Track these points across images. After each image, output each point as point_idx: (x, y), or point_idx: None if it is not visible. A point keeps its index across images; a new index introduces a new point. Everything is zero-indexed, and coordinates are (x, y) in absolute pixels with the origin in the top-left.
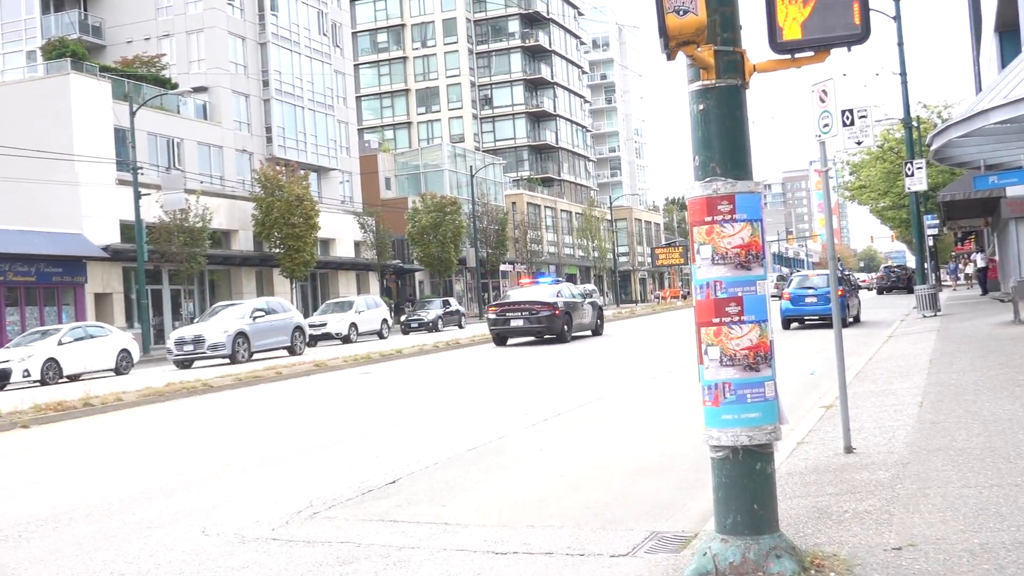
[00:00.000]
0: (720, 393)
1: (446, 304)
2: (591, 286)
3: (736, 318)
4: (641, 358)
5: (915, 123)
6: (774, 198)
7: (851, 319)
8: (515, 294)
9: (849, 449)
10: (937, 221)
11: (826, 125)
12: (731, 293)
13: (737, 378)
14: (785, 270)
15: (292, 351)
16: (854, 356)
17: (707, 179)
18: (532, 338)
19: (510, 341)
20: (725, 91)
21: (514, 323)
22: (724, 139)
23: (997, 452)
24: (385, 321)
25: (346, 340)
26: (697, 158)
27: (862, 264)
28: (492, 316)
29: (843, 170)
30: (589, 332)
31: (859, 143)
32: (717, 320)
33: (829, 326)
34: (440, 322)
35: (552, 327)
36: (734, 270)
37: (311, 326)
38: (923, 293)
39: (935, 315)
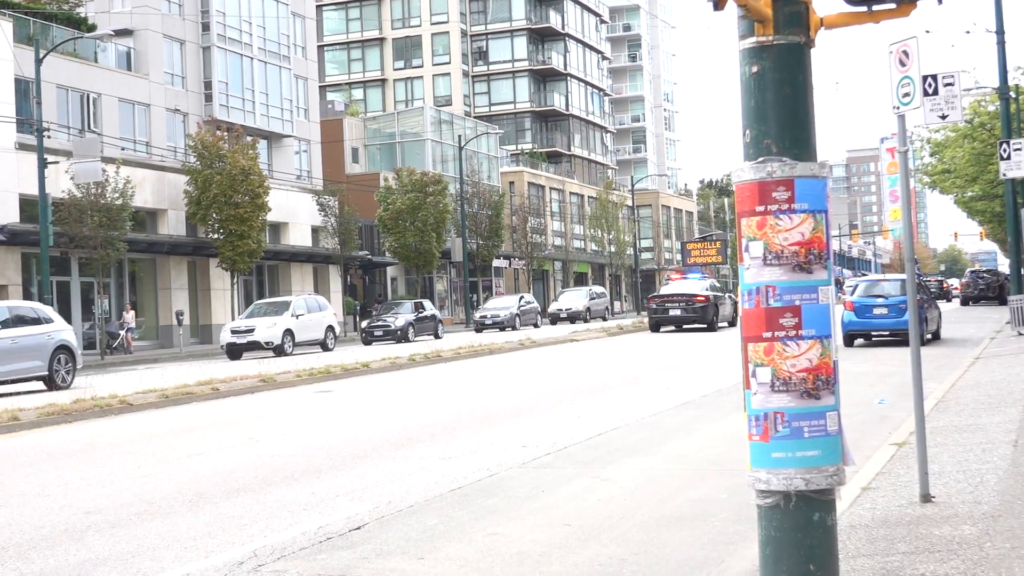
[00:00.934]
0: (771, 425)
1: (418, 308)
2: (599, 288)
3: (792, 332)
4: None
5: (1013, 93)
6: (836, 183)
7: (929, 335)
8: (669, 288)
9: (927, 497)
10: None
11: (906, 95)
12: (787, 301)
13: (792, 407)
14: (847, 273)
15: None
16: (932, 382)
17: (760, 159)
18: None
19: (662, 328)
20: (785, 50)
21: (672, 312)
22: (782, 109)
23: None
24: (331, 329)
25: (279, 352)
26: (748, 132)
27: (943, 267)
28: (652, 306)
29: (921, 150)
30: (726, 323)
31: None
32: (769, 334)
33: (901, 343)
34: (411, 330)
35: (704, 316)
36: (791, 273)
37: (233, 332)
38: (1019, 305)
39: None
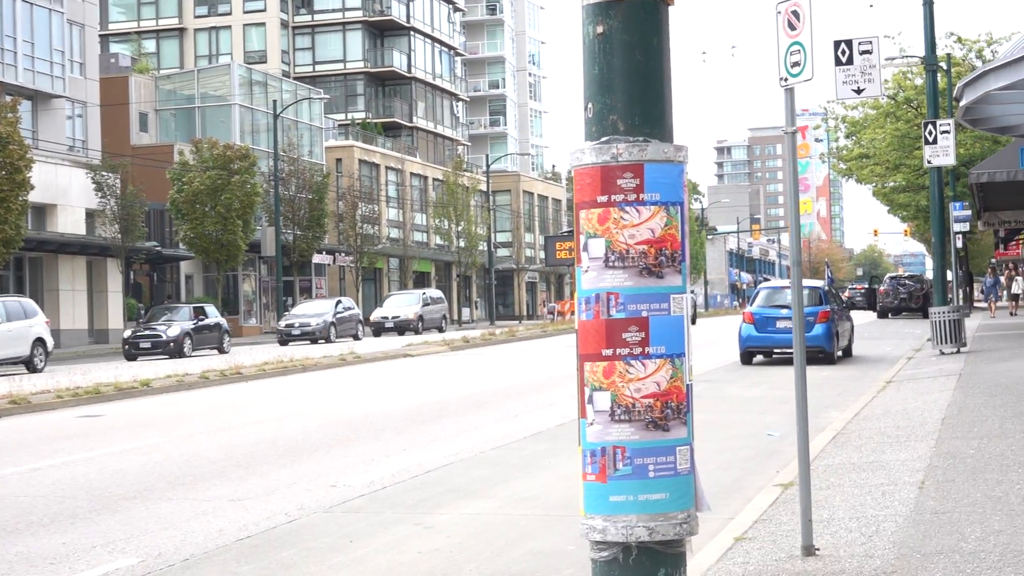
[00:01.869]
0: (609, 462)
1: (199, 314)
2: (435, 292)
3: (638, 350)
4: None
5: (944, 64)
6: (736, 168)
7: (839, 352)
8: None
9: (809, 549)
10: (969, 212)
11: (796, 64)
12: (632, 312)
13: (635, 440)
14: (746, 277)
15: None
16: (835, 410)
17: (604, 139)
18: None
19: None
20: (637, 7)
21: None
22: (632, 79)
23: None
24: (40, 342)
25: None
26: (591, 106)
27: (860, 271)
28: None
29: (836, 130)
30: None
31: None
32: (610, 352)
33: (811, 360)
34: (188, 342)
35: None
36: (638, 277)
37: None
38: (942, 319)
39: (958, 351)
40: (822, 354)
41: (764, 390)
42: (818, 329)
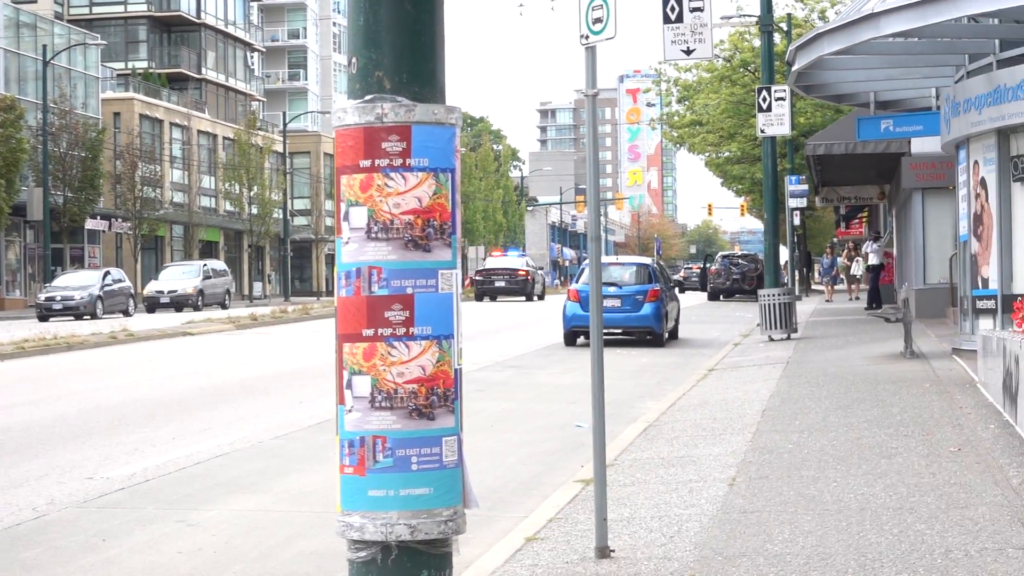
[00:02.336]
0: (369, 453)
1: None
2: (218, 263)
3: (402, 330)
4: None
5: (782, 26)
6: (560, 133)
7: (666, 334)
8: (493, 263)
9: (604, 551)
10: (805, 187)
11: (598, 20)
12: (396, 289)
13: (398, 429)
14: (568, 253)
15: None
16: (652, 399)
17: (368, 97)
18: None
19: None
20: None
21: (497, 284)
22: (400, 33)
23: (831, 561)
24: None
25: None
26: (355, 61)
27: (693, 249)
28: (479, 279)
29: (668, 94)
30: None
31: (688, 51)
32: (371, 332)
33: (636, 343)
34: None
35: (524, 289)
36: (403, 251)
37: None
38: (771, 302)
39: (788, 337)
40: (651, 335)
41: (577, 376)
42: (647, 309)
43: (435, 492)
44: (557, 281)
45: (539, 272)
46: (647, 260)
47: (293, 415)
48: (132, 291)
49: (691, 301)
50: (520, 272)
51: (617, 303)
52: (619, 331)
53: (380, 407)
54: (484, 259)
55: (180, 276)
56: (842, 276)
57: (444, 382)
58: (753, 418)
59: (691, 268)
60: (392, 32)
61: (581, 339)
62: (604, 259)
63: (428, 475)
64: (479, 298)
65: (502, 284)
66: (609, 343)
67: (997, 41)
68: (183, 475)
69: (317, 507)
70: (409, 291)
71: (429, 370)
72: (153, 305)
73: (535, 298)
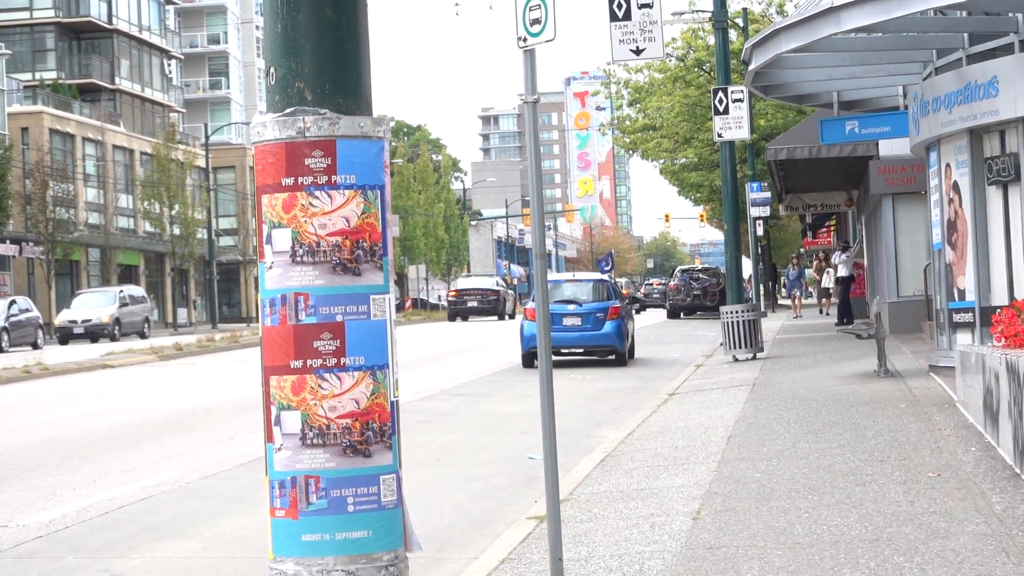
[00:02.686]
0: (301, 494)
1: None
2: (136, 289)
3: (332, 361)
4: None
5: (738, 22)
6: (503, 140)
7: (627, 353)
8: (464, 283)
9: None
10: (768, 194)
11: (536, 22)
12: (325, 316)
13: (332, 468)
14: (517, 271)
15: None
16: (609, 427)
17: (289, 110)
18: None
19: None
20: None
21: (470, 304)
22: (322, 40)
23: None
24: None
25: None
26: (274, 71)
27: (650, 263)
28: (452, 299)
29: (619, 97)
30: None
31: (638, 51)
32: (299, 364)
33: (598, 364)
34: None
35: (496, 308)
36: (331, 275)
37: None
38: (734, 319)
39: (753, 357)
40: (613, 355)
41: (529, 404)
42: (608, 327)
43: (374, 535)
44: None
45: (509, 291)
46: (604, 276)
47: (223, 452)
48: (40, 321)
49: (650, 319)
50: (491, 292)
51: (577, 321)
52: (580, 351)
53: (312, 444)
54: (426, 278)
55: (95, 304)
56: (811, 289)
57: (380, 416)
58: (718, 445)
59: (652, 284)
60: (313, 39)
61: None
62: (560, 276)
63: (366, 516)
64: (452, 318)
65: (474, 304)
66: (562, 364)
67: (966, 35)
68: (106, 520)
69: (251, 552)
70: (339, 319)
71: (363, 403)
72: (66, 336)
73: (506, 317)
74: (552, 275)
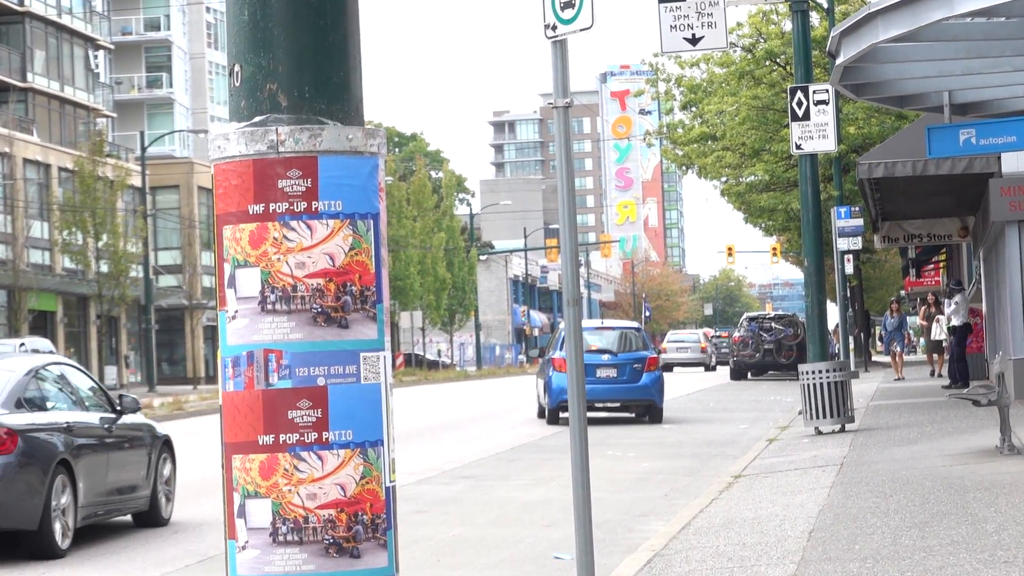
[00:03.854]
0: None
1: None
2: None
3: (312, 435)
4: None
5: (822, 3)
6: (522, 153)
7: (661, 409)
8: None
9: None
10: (860, 222)
11: (569, 6)
12: (302, 379)
13: (311, 572)
14: (538, 320)
15: None
16: (658, 518)
17: (258, 119)
18: None
19: None
20: None
21: None
22: (300, 30)
23: None
24: None
25: None
26: (239, 70)
27: (708, 309)
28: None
29: (669, 99)
30: None
31: (695, 40)
32: (270, 439)
33: (634, 421)
34: None
35: None
36: (311, 327)
37: None
38: (817, 382)
39: (841, 429)
40: (649, 411)
41: (553, 489)
42: (646, 379)
43: None
44: (522, 357)
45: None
46: (637, 324)
47: (167, 552)
48: None
49: (706, 381)
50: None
51: (612, 373)
52: (616, 405)
53: (285, 542)
54: (423, 328)
55: None
56: (916, 342)
57: (372, 505)
58: (797, 542)
59: (720, 336)
60: (288, 29)
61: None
62: (593, 323)
63: None
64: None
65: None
66: (593, 423)
67: None
68: None
69: None
70: (321, 382)
71: (351, 490)
72: None
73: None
74: (587, 322)
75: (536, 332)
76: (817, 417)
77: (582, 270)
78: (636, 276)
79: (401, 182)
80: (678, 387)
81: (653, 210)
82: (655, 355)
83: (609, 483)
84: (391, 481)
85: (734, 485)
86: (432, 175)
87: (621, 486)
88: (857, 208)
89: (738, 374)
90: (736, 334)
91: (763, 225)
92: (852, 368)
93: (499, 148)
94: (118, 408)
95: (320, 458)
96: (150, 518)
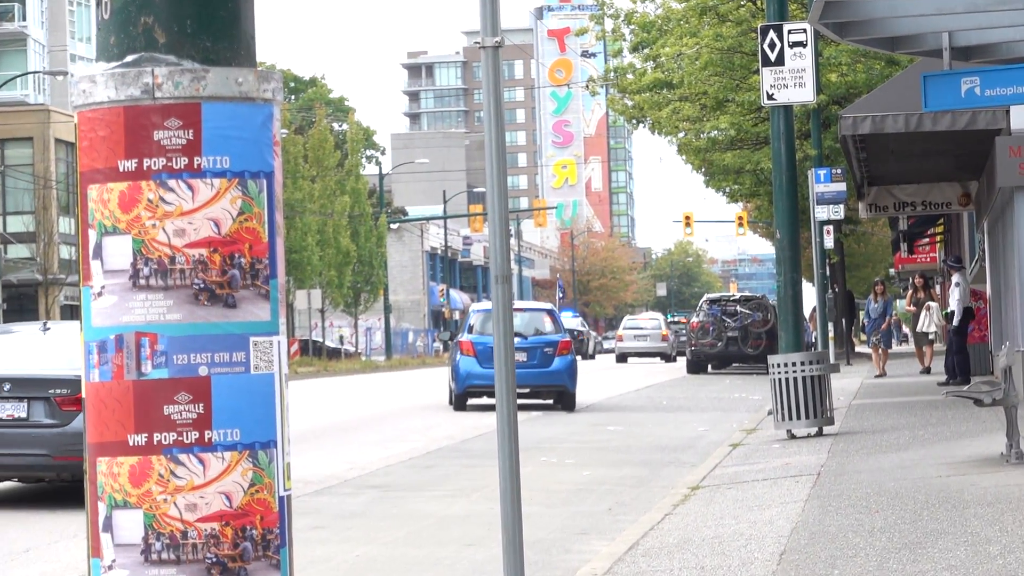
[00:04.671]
0: None
1: None
2: None
3: (192, 435)
4: None
5: None
6: (441, 101)
7: (573, 395)
8: None
9: None
10: (842, 186)
11: None
12: (181, 368)
13: None
14: (462, 299)
15: None
16: (600, 537)
17: (131, 58)
18: None
19: None
20: None
21: None
22: None
23: None
24: None
25: None
26: (108, 2)
27: (661, 289)
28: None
29: (617, 38)
30: None
31: None
32: (142, 439)
33: (551, 408)
34: None
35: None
36: (191, 306)
37: None
38: (790, 375)
39: (818, 432)
40: (561, 397)
41: (477, 501)
42: (558, 363)
43: None
44: (438, 345)
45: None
46: (549, 305)
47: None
48: None
49: (658, 375)
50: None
51: (522, 357)
52: (525, 390)
53: (160, 560)
54: (321, 310)
55: None
56: (906, 331)
57: (263, 518)
58: (766, 566)
59: (678, 321)
60: None
61: (476, 400)
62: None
63: None
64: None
65: None
66: (527, 436)
67: None
68: None
69: None
70: (203, 372)
71: (238, 500)
72: None
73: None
74: (483, 304)
75: (457, 315)
76: (790, 418)
77: (512, 242)
78: (576, 249)
79: (297, 135)
80: (625, 381)
81: (597, 171)
82: (568, 339)
83: (544, 495)
84: (286, 490)
85: (691, 498)
86: (335, 127)
87: (558, 498)
88: (839, 170)
89: (697, 366)
90: (694, 319)
91: (727, 189)
92: (832, 360)
93: (414, 96)
94: None
95: (202, 462)
96: None
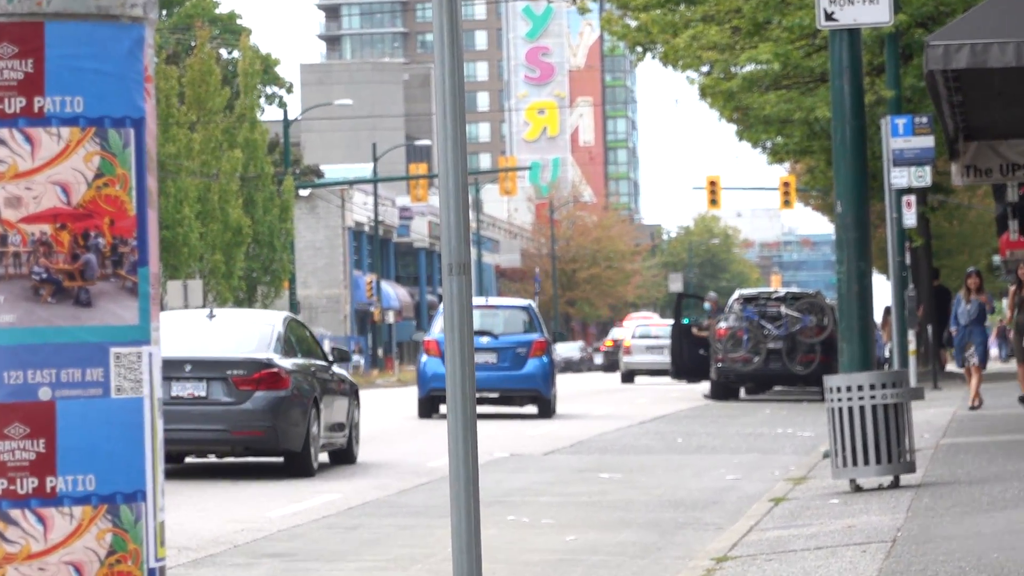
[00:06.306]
0: None
1: None
2: None
3: (29, 482)
4: None
5: None
6: (366, 19)
7: (554, 402)
8: None
9: None
10: (928, 141)
11: None
12: (15, 391)
13: None
14: (397, 294)
15: None
16: None
17: None
18: None
19: None
20: None
21: None
22: None
23: None
24: None
25: None
26: None
27: (675, 282)
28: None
29: None
30: None
31: None
32: None
33: (526, 416)
34: None
35: None
36: (30, 304)
37: None
38: (855, 404)
39: (894, 484)
40: (536, 402)
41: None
42: (531, 365)
43: None
44: (359, 359)
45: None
46: (527, 302)
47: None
48: None
49: (671, 402)
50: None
51: (492, 359)
52: (495, 395)
53: None
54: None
55: None
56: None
57: None
58: None
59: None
60: None
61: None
62: (485, 301)
63: None
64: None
65: None
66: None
67: None
68: None
69: None
70: (45, 396)
71: (91, 570)
72: None
73: None
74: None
75: (391, 318)
76: (854, 463)
77: (471, 216)
78: (558, 227)
79: (170, 66)
80: (625, 412)
81: (587, 118)
82: (543, 339)
83: (510, 569)
84: (158, 560)
85: (716, 574)
86: (222, 55)
87: (530, 574)
88: (924, 120)
89: (724, 390)
90: (722, 325)
91: (768, 145)
92: (913, 383)
93: (333, 12)
94: (330, 359)
95: (42, 520)
96: (345, 456)
